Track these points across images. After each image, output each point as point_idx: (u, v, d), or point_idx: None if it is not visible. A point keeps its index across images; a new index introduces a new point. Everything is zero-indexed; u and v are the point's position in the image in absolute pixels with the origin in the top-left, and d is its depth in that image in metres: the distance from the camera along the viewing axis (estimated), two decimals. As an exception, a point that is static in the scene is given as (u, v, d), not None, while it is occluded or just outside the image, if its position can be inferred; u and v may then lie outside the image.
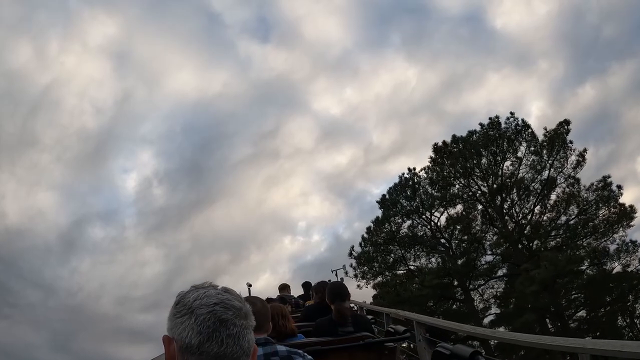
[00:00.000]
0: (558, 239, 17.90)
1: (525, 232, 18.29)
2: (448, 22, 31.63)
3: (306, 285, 6.05)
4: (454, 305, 19.39)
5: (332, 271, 15.04)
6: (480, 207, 19.20)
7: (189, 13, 37.62)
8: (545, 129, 17.60)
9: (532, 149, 18.12)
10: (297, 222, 34.04)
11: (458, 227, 19.45)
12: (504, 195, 18.51)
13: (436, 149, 19.16)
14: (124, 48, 35.78)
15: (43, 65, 33.52)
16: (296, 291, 6.32)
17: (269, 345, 1.33)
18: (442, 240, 19.68)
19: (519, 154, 18.27)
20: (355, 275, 18.79)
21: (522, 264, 16.38)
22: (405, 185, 20.71)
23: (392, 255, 19.14)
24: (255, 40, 40.94)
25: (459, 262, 18.81)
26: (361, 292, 19.62)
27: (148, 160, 35.52)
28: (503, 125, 18.43)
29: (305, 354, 1.29)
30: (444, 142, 19.06)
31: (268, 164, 37.65)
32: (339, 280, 9.71)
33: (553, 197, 18.15)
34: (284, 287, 5.92)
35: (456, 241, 19.64)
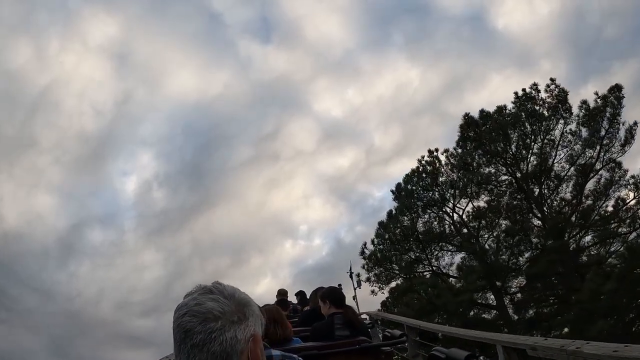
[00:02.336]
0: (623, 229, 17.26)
1: (574, 221, 18.11)
2: (450, 22, 35.30)
3: (300, 294, 6.96)
4: (484, 313, 19.56)
5: (347, 273, 15.94)
6: (512, 195, 19.36)
7: (189, 13, 41.83)
8: (585, 102, 17.58)
9: (573, 126, 18.17)
10: (298, 226, 38.72)
11: (487, 219, 19.72)
12: (542, 180, 18.72)
13: (466, 122, 18.86)
14: (124, 48, 39.73)
15: (42, 66, 37.17)
16: (294, 297, 7.17)
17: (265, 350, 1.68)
18: (467, 235, 20.07)
19: (556, 132, 18.45)
20: (369, 279, 19.09)
21: (569, 260, 16.34)
22: (423, 172, 21.03)
23: (410, 254, 19.37)
24: (257, 40, 46.27)
25: (489, 260, 19.00)
26: (372, 300, 20.41)
27: (148, 162, 39.79)
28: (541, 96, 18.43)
29: (300, 358, 1.46)
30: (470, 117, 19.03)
31: (269, 166, 41.94)
32: (356, 285, 12.34)
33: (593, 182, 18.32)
34: (282, 293, 6.50)
35: (487, 235, 19.85)
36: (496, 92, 31.40)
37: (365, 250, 19.50)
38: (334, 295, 2.95)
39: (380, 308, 24.70)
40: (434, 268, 19.54)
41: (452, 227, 20.76)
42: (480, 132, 18.25)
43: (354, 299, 14.74)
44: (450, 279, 18.92)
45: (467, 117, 18.68)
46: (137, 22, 40.24)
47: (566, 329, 15.20)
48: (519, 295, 18.43)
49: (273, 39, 44.10)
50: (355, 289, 15.33)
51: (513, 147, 18.90)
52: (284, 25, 40.37)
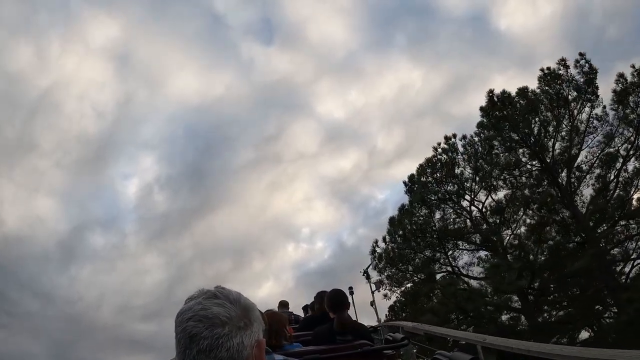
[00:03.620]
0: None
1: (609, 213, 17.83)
2: (452, 23, 38.45)
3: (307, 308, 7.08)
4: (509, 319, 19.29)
5: (362, 272, 15.93)
6: (539, 184, 19.30)
7: (191, 14, 45.14)
8: (622, 75, 17.41)
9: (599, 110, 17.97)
10: (300, 229, 41.63)
11: (512, 210, 19.63)
12: (572, 167, 18.66)
13: (490, 101, 18.43)
14: (125, 50, 42.64)
15: (43, 67, 40.06)
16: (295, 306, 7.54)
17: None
18: (487, 231, 20.16)
19: (583, 116, 18.36)
20: (381, 282, 19.13)
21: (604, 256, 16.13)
22: (438, 162, 21.09)
23: (426, 252, 19.38)
24: (259, 42, 49.53)
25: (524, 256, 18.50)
26: (385, 305, 20.62)
27: (149, 165, 43.22)
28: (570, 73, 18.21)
29: None
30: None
31: (271, 169, 46.04)
32: (374, 288, 12.01)
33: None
34: (284, 304, 6.86)
35: (512, 229, 19.77)
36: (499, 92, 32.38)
37: (376, 248, 19.53)
38: (335, 298, 3.17)
39: (387, 313, 24.99)
40: (453, 268, 19.48)
41: (470, 222, 20.90)
42: (507, 113, 17.95)
43: (372, 304, 13.97)
44: (471, 280, 18.91)
45: (491, 95, 18.32)
46: (138, 23, 43.22)
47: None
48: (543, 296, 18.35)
49: (275, 41, 48.05)
50: (373, 292, 14.41)
51: (535, 131, 18.91)
52: (286, 26, 43.80)
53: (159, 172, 41.98)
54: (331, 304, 3.15)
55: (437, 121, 37.84)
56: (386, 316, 24.51)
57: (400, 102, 40.20)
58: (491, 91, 18.27)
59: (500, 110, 17.97)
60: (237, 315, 0.86)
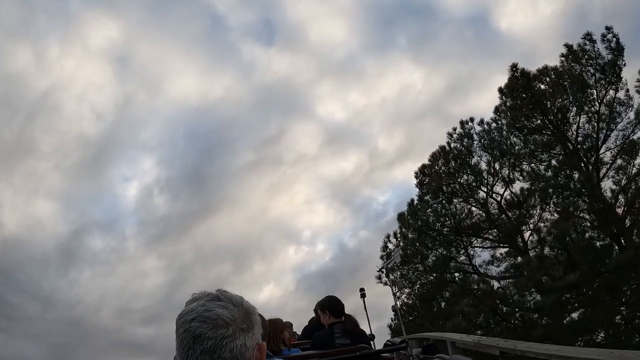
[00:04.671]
0: None
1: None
2: (453, 24, 40.53)
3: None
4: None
5: (379, 271, 15.50)
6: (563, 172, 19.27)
7: (191, 15, 47.49)
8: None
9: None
10: (301, 231, 43.08)
11: (539, 197, 19.48)
12: (599, 155, 18.61)
13: (513, 78, 18.07)
14: (125, 51, 43.96)
15: (42, 69, 41.70)
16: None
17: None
18: (508, 225, 20.25)
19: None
20: (403, 281, 18.92)
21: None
22: (451, 151, 21.14)
23: (442, 248, 19.44)
24: (259, 43, 51.82)
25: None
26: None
27: (149, 167, 44.64)
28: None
29: None
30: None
31: (271, 171, 47.95)
32: (395, 289, 11.58)
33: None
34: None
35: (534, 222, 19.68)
36: (496, 100, 33.81)
37: (388, 244, 19.56)
38: (332, 304, 3.45)
39: (393, 317, 25.07)
40: (475, 268, 19.48)
41: (487, 216, 21.00)
42: (531, 93, 17.78)
43: (394, 310, 12.84)
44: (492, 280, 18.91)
45: (515, 69, 18.03)
46: (137, 25, 45.00)
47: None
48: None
49: (276, 42, 50.20)
50: (395, 295, 13.17)
51: (559, 114, 18.84)
52: (286, 28, 45.87)
53: (158, 175, 43.37)
54: (332, 309, 3.42)
55: (439, 122, 40.87)
56: (392, 320, 24.72)
57: (401, 104, 42.64)
58: (514, 65, 18.11)
59: (524, 88, 17.79)
60: (240, 318, 0.95)
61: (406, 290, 21.15)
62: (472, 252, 20.29)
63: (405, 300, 24.22)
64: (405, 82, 43.26)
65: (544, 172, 20.12)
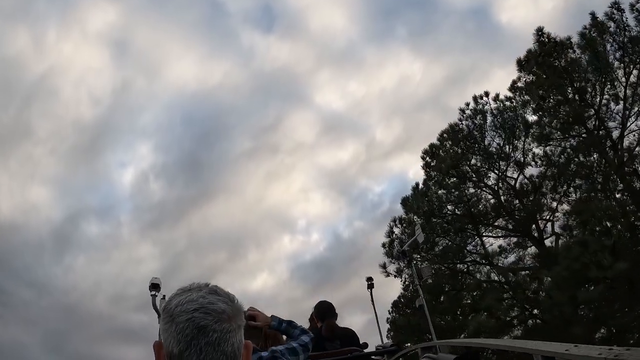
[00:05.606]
0: None
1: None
2: (454, 16, 39.96)
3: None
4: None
5: (404, 249, 13.47)
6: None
7: (190, 1, 47.08)
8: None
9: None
10: (296, 220, 43.69)
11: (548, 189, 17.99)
12: (623, 137, 17.01)
13: (540, 44, 16.09)
14: (123, 36, 44.85)
15: (39, 53, 41.28)
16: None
17: (255, 354, 1.80)
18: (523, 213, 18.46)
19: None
20: (429, 267, 16.70)
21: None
22: (461, 131, 19.32)
23: (450, 237, 17.63)
24: (259, 30, 53.42)
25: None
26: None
27: (146, 153, 45.15)
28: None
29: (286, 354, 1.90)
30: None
31: (268, 159, 48.46)
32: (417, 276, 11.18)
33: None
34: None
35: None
36: (500, 88, 33.72)
37: (394, 229, 17.70)
38: (318, 310, 3.64)
39: (392, 309, 23.22)
40: (489, 258, 17.54)
41: (498, 202, 19.23)
42: (558, 62, 15.87)
43: (419, 308, 10.63)
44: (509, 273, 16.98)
45: (541, 33, 15.99)
46: (136, 9, 45.70)
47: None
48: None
49: (276, 29, 51.29)
50: (419, 283, 11.01)
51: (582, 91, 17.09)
52: (287, 15, 45.87)
53: (155, 161, 43.76)
54: (320, 312, 3.59)
55: (437, 114, 40.99)
56: (389, 312, 22.78)
57: (400, 94, 42.30)
58: (540, 29, 16.03)
59: (550, 55, 15.79)
60: (235, 315, 0.96)
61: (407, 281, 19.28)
62: (480, 242, 18.41)
63: (403, 292, 22.39)
64: (405, 73, 43.05)
65: (560, 155, 18.54)
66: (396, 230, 17.62)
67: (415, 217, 18.15)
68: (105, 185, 46.73)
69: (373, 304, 12.95)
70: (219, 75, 47.40)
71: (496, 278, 16.15)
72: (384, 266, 16.08)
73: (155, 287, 9.67)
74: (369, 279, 12.76)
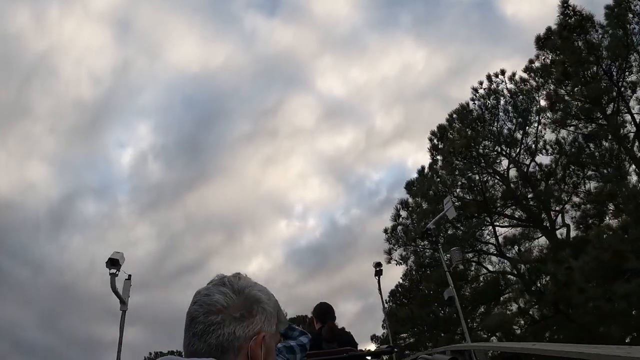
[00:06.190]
0: None
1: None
2: (458, 6, 40.33)
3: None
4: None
5: (425, 230, 12.54)
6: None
7: None
8: None
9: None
10: (293, 205, 44.45)
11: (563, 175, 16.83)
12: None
13: (565, 18, 14.79)
14: (125, 15, 44.21)
15: (40, 31, 41.00)
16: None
17: None
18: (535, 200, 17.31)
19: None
20: (461, 250, 15.42)
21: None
22: (469, 114, 18.08)
23: (461, 224, 16.37)
24: (262, 13, 52.08)
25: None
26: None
27: (145, 134, 45.67)
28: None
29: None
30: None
31: (267, 143, 48.06)
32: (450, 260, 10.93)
33: None
34: None
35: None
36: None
37: (400, 212, 16.26)
38: (317, 311, 3.67)
39: (389, 299, 22.01)
40: (501, 249, 16.40)
41: (508, 190, 18.08)
42: (585, 36, 14.55)
43: (450, 301, 9.49)
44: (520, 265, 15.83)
45: (566, 5, 14.69)
46: None
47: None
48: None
49: (279, 13, 50.84)
50: (448, 272, 9.61)
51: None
52: None
53: (154, 141, 43.94)
54: (321, 313, 3.59)
55: (438, 104, 40.30)
56: (386, 302, 21.57)
57: (401, 82, 42.57)
58: (565, 1, 14.64)
59: (575, 31, 14.45)
60: (235, 306, 0.93)
61: (403, 267, 18.09)
62: (493, 230, 17.21)
63: (401, 282, 21.22)
64: (407, 62, 43.44)
65: (572, 142, 17.47)
66: (403, 213, 16.24)
67: (423, 200, 16.92)
68: (103, 165, 46.69)
69: (380, 292, 11.67)
70: (221, 57, 48.78)
71: (508, 269, 15.00)
72: (389, 252, 14.73)
73: (114, 263, 7.61)
74: (377, 265, 11.43)
